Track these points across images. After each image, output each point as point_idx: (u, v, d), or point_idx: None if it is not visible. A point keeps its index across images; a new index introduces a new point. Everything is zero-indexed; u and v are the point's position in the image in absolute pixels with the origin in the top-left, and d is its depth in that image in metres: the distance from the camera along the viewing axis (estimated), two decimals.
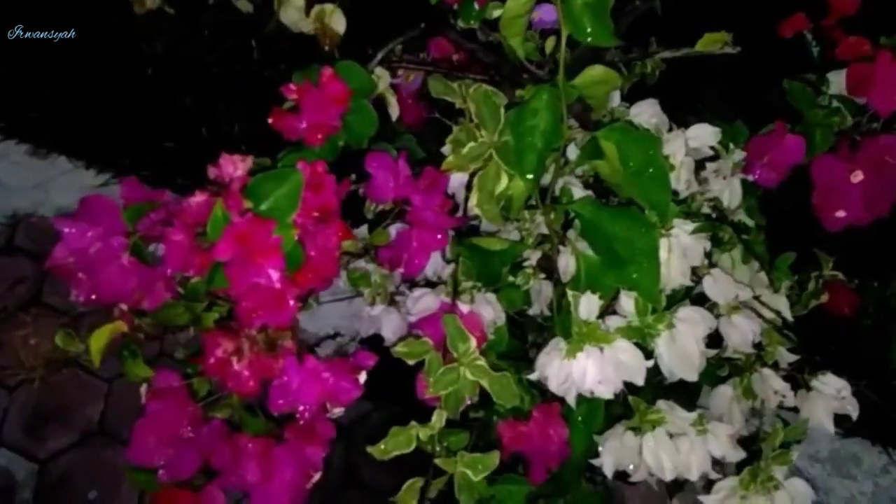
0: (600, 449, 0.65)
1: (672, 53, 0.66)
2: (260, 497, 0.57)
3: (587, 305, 0.59)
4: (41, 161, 1.57)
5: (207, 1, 0.84)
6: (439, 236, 0.62)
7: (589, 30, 0.53)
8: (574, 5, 0.52)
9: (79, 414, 1.34)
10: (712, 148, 0.71)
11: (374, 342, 0.82)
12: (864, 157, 0.55)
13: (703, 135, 0.69)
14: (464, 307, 0.66)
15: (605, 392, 0.58)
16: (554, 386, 0.59)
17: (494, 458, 0.57)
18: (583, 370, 0.57)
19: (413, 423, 0.58)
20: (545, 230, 0.68)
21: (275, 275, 0.46)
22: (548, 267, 0.69)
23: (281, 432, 0.60)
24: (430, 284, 0.72)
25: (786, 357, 0.65)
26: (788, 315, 0.68)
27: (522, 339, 0.74)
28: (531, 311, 0.71)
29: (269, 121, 0.54)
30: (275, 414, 0.59)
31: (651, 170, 0.57)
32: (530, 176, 0.57)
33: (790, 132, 0.58)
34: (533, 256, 0.68)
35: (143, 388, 0.60)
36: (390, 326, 0.80)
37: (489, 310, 0.67)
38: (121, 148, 1.57)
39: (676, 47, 0.66)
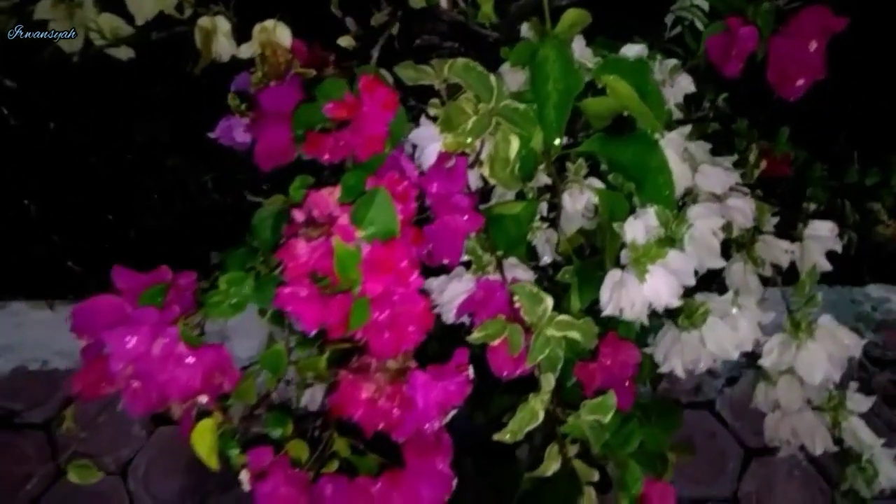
0: (659, 356, 0.70)
1: None
2: None
3: (632, 229, 0.62)
4: None
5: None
6: (472, 217, 0.61)
7: None
8: None
9: None
10: None
11: None
12: (808, 28, 0.63)
13: (635, 52, 0.75)
14: (496, 277, 0.67)
15: (676, 302, 0.62)
16: (628, 314, 0.62)
17: (612, 399, 0.59)
18: (655, 290, 0.61)
19: (531, 394, 0.58)
20: (543, 182, 0.70)
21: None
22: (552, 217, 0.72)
23: (391, 462, 0.58)
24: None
25: (771, 221, 0.74)
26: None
27: None
28: (543, 262, 0.74)
29: (303, 149, 0.50)
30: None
31: (648, 89, 0.61)
32: (556, 128, 0.58)
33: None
34: (540, 209, 0.70)
35: (244, 475, 0.55)
36: None
37: (520, 272, 0.68)
38: None
39: None
